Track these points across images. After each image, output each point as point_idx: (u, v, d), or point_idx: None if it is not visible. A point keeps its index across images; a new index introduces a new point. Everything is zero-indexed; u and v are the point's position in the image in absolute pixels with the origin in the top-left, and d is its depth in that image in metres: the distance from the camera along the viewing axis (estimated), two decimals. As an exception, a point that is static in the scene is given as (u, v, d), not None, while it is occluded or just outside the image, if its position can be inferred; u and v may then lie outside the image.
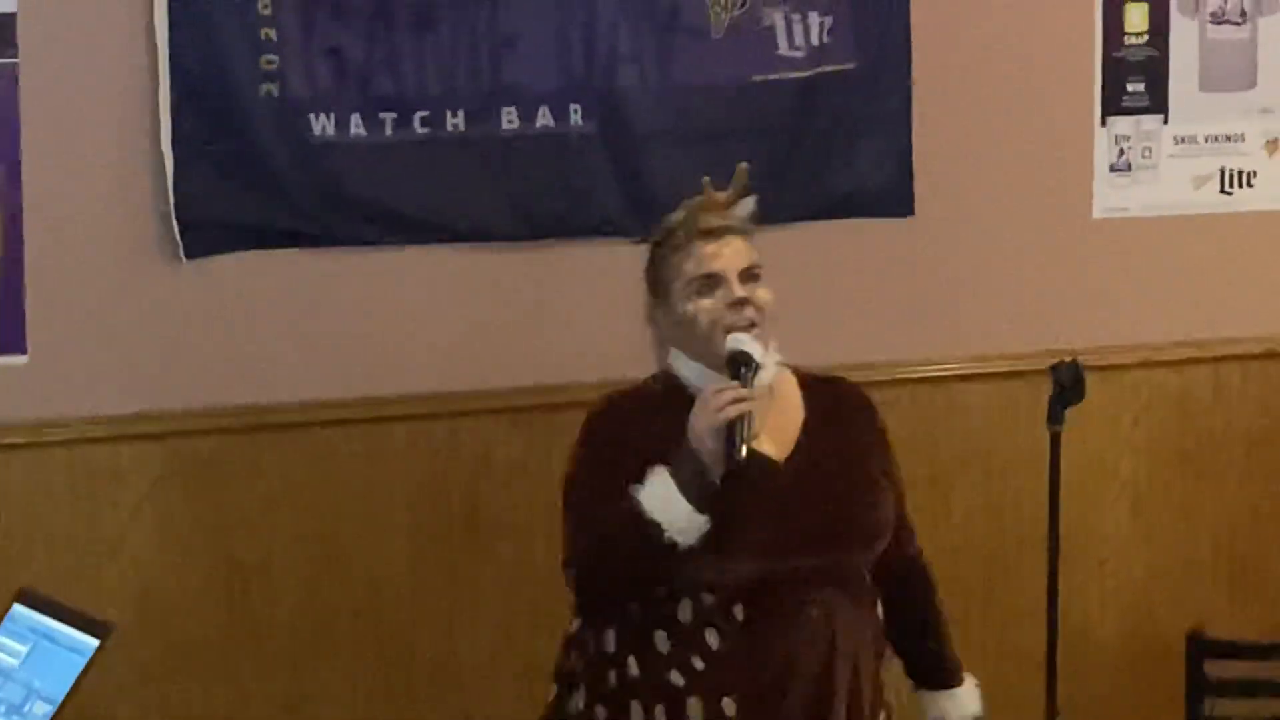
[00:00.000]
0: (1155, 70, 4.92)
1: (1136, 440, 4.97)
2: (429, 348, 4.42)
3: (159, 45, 4.16)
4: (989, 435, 4.80)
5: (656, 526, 3.27)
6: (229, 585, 4.31)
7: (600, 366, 4.27)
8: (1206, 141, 4.97)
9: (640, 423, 3.42)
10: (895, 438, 3.65)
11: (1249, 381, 5.04)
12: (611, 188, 4.48)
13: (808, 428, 3.47)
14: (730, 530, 3.31)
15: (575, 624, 3.51)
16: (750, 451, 3.28)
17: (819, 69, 4.59)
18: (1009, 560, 4.48)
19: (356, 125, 4.31)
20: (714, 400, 3.28)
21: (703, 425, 3.27)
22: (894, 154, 4.68)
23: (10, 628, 2.94)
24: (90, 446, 4.20)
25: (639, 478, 3.29)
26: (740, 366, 3.35)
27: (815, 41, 4.58)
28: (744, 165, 3.55)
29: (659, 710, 3.37)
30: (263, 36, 4.22)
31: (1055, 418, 3.84)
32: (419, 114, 4.35)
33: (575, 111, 4.44)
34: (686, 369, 3.47)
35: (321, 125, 4.28)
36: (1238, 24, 4.97)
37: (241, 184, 4.25)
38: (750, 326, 3.39)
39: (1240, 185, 5.00)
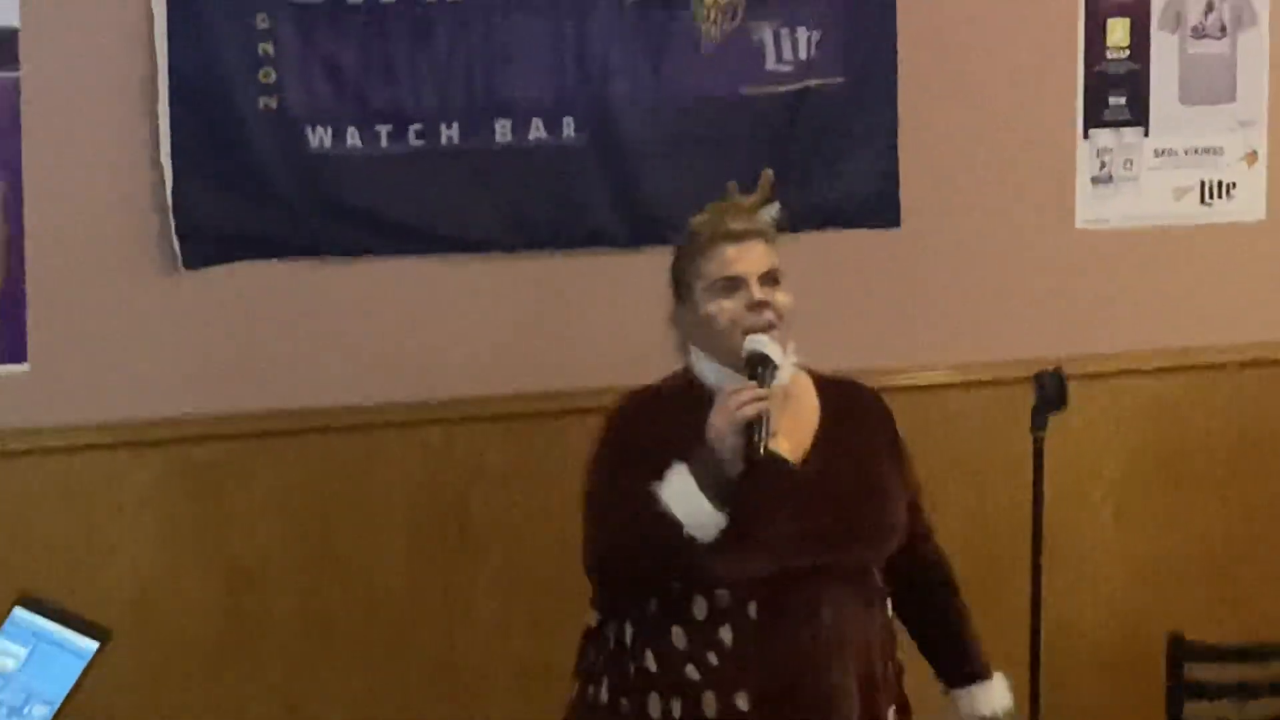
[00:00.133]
0: (1136, 84, 4.94)
1: (1118, 447, 4.99)
2: (424, 356, 4.42)
3: (159, 59, 4.17)
4: (974, 442, 4.81)
5: (676, 522, 3.29)
6: (227, 589, 4.31)
7: (593, 375, 4.31)
8: (1187, 154, 4.99)
9: (661, 420, 3.44)
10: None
11: (1229, 389, 5.07)
12: (603, 199, 4.50)
13: (823, 428, 3.49)
14: (746, 527, 3.33)
15: (594, 620, 3.53)
16: (768, 450, 3.31)
17: (807, 82, 4.62)
18: (994, 565, 4.47)
19: (353, 137, 4.32)
20: (733, 399, 3.30)
21: (722, 423, 3.30)
22: (881, 166, 4.71)
23: (11, 631, 2.93)
24: (90, 453, 4.20)
25: (659, 474, 3.31)
26: (758, 367, 3.37)
27: (804, 55, 4.61)
28: (769, 171, 3.58)
29: (675, 704, 3.39)
30: (261, 51, 4.24)
31: (1039, 425, 3.88)
32: (414, 126, 4.36)
33: (568, 124, 4.46)
34: (706, 368, 3.49)
35: (319, 137, 4.30)
36: (1218, 39, 4.99)
37: (239, 195, 4.26)
38: (769, 328, 3.41)
39: (1220, 197, 5.03)
